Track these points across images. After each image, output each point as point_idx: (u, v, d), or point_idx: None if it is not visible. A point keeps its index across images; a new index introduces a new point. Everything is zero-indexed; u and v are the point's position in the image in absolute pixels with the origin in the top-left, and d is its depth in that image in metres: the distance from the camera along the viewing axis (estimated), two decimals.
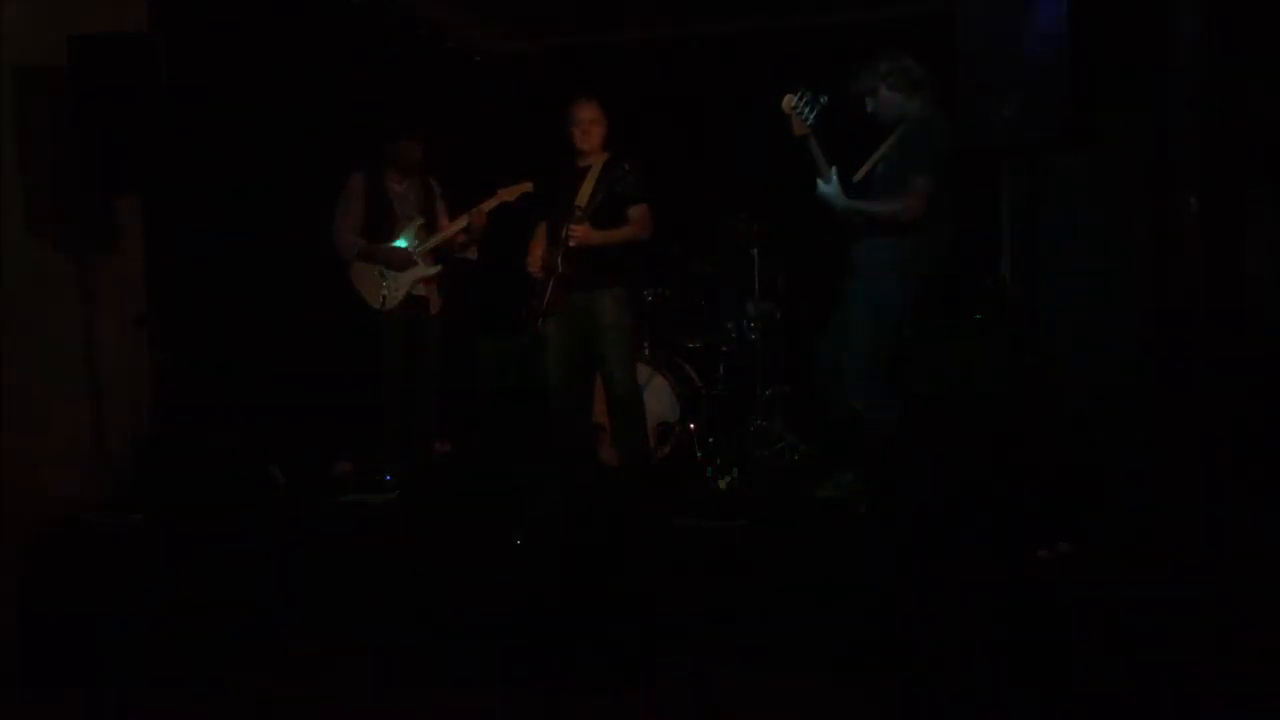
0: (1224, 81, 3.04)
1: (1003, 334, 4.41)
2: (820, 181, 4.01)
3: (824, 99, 4.07)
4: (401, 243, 4.89)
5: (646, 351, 5.51)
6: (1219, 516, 3.08)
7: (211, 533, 3.78)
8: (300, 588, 3.68)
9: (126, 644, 3.54)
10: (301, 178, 5.02)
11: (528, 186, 4.84)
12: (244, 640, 3.58)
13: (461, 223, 4.88)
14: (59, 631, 3.65)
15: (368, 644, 3.53)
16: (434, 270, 4.95)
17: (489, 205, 4.86)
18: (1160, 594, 3.00)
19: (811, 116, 4.03)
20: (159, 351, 4.33)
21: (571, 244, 4.45)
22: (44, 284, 3.89)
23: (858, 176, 4.10)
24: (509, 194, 4.83)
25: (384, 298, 4.81)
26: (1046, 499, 3.37)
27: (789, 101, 4.04)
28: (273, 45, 4.95)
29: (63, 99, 3.76)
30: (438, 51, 6.32)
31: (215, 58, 4.59)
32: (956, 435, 3.96)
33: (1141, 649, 2.91)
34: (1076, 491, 3.61)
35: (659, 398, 5.36)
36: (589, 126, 4.60)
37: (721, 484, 4.68)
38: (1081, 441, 3.89)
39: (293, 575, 3.70)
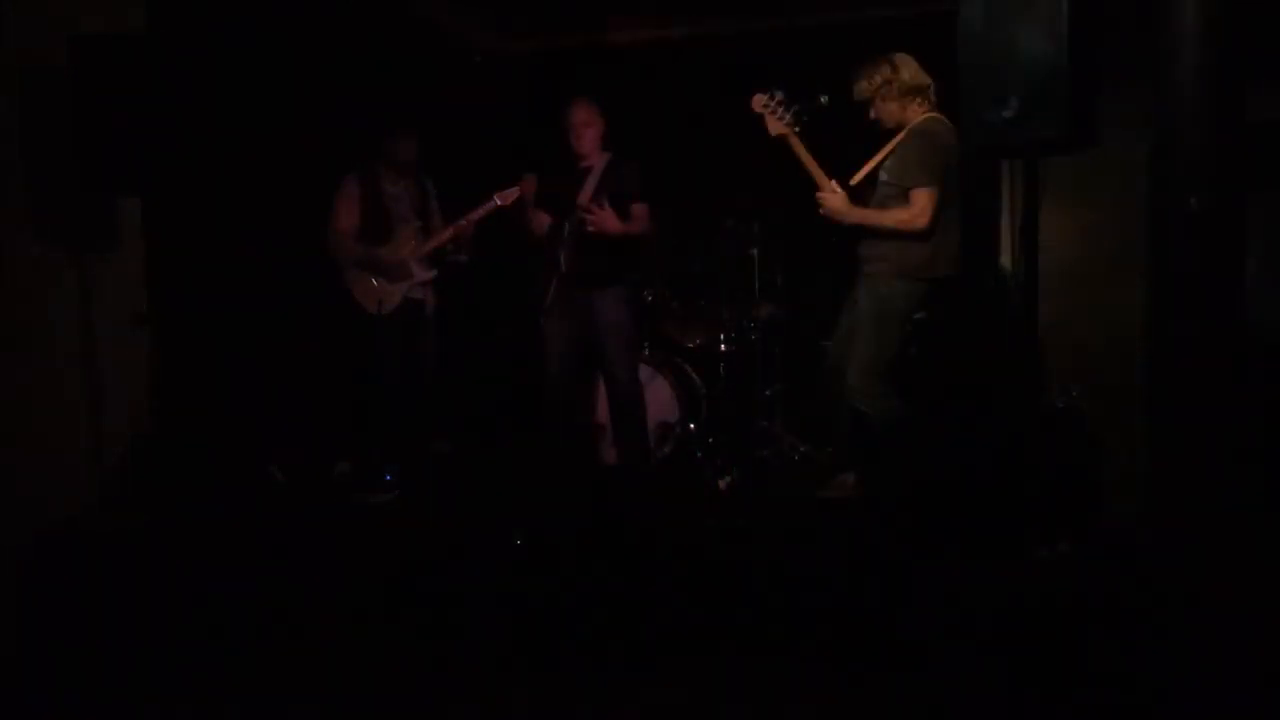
0: (1224, 81, 3.04)
1: (1002, 332, 4.41)
2: (824, 195, 4.00)
3: (826, 98, 4.06)
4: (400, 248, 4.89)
5: (646, 351, 5.51)
6: (1219, 516, 3.08)
7: (211, 533, 3.78)
8: (300, 588, 3.67)
9: (127, 645, 3.54)
10: (301, 177, 5.02)
11: (523, 191, 4.80)
12: (244, 641, 3.57)
13: (449, 233, 4.86)
14: (59, 633, 3.65)
15: (368, 644, 3.52)
16: (429, 275, 4.93)
17: (478, 214, 4.82)
18: (1160, 594, 3.00)
19: (789, 116, 4.01)
20: (159, 351, 4.33)
21: (590, 229, 4.44)
22: (44, 284, 3.89)
23: (855, 180, 4.10)
24: (504, 198, 4.79)
25: (379, 303, 4.81)
26: (1046, 499, 3.37)
27: (759, 101, 4.02)
28: (271, 45, 4.95)
29: (63, 99, 3.76)
30: (436, 51, 6.32)
31: (215, 58, 4.59)
32: (958, 435, 3.96)
33: (1141, 649, 2.91)
34: (1076, 491, 3.62)
35: (659, 398, 5.37)
36: (581, 129, 4.61)
37: (721, 484, 4.68)
38: (1081, 441, 3.90)
39: (293, 575, 3.70)
